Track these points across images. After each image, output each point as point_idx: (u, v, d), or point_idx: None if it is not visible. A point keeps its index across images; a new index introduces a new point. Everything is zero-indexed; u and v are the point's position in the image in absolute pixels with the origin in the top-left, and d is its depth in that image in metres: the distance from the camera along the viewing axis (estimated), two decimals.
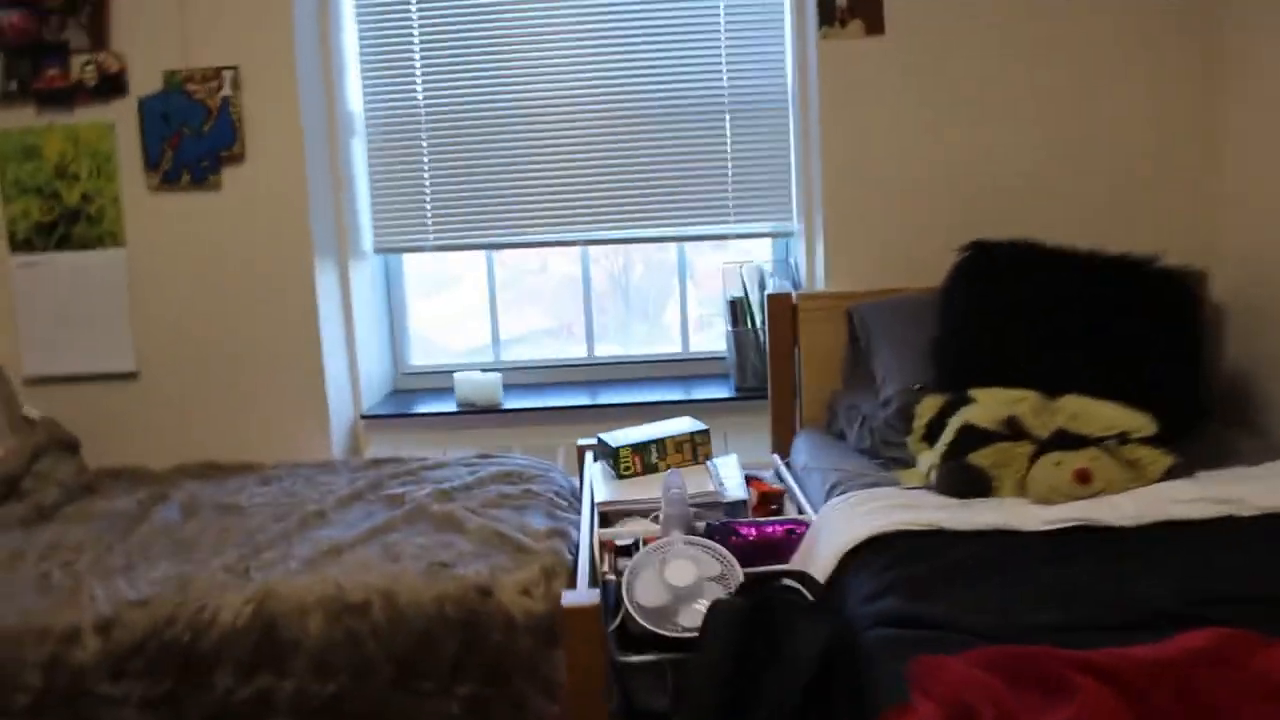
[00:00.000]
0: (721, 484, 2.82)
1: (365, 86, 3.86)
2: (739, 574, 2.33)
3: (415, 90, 3.85)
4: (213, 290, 3.57)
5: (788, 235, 3.88)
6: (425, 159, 3.87)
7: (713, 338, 4.13)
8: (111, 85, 3.43)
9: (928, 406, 2.80)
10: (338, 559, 2.59)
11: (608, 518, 2.80)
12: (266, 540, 2.73)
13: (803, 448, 3.14)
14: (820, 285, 3.52)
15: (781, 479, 3.01)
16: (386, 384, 4.08)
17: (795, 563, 2.49)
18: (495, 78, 3.82)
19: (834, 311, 3.29)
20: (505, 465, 3.24)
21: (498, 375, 3.82)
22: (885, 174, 3.43)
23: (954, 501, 2.46)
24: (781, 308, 3.34)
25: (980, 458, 2.54)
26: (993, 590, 2.00)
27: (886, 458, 2.87)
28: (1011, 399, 2.69)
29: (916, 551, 2.19)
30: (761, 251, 4.03)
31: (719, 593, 2.29)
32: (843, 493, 2.62)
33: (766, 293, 3.52)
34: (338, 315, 3.72)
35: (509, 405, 3.77)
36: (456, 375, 3.86)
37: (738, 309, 3.78)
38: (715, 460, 3.00)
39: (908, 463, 2.78)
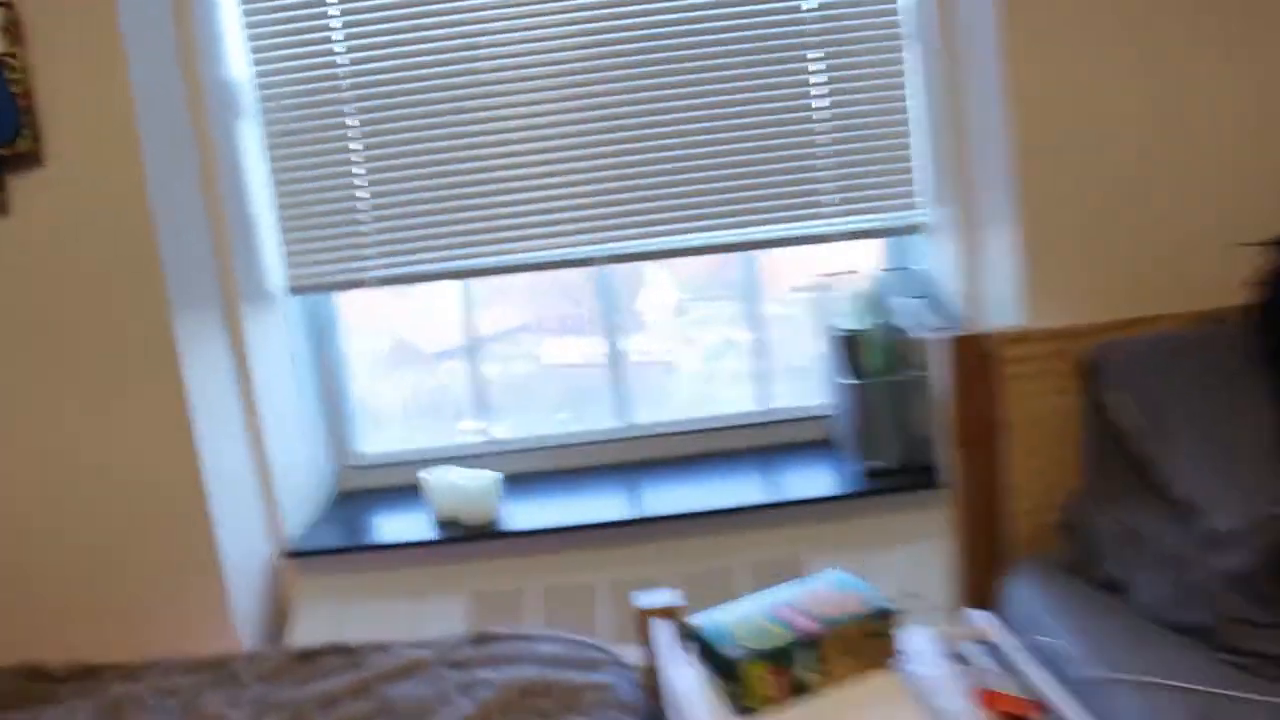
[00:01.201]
0: None
1: (252, 42, 2.37)
2: None
3: (332, 45, 2.36)
4: (15, 374, 2.07)
5: (912, 231, 2.50)
6: (357, 148, 2.43)
7: (690, 328, 2.71)
8: None
9: None
10: None
11: None
12: None
13: (1037, 604, 1.73)
14: (1002, 313, 2.09)
15: (1012, 669, 1.63)
16: (328, 488, 2.60)
17: None
18: (458, 18, 2.35)
19: (1057, 359, 1.91)
20: (523, 664, 1.79)
21: (493, 477, 2.35)
22: (1121, 130, 1.98)
23: None
24: (971, 358, 1.92)
25: None
26: None
27: (1251, 653, 1.49)
28: None
29: None
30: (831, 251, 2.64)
31: None
32: None
33: (917, 330, 2.12)
34: (228, 394, 2.24)
35: (512, 524, 2.30)
36: (428, 478, 2.38)
37: (854, 350, 2.38)
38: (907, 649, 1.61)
39: None
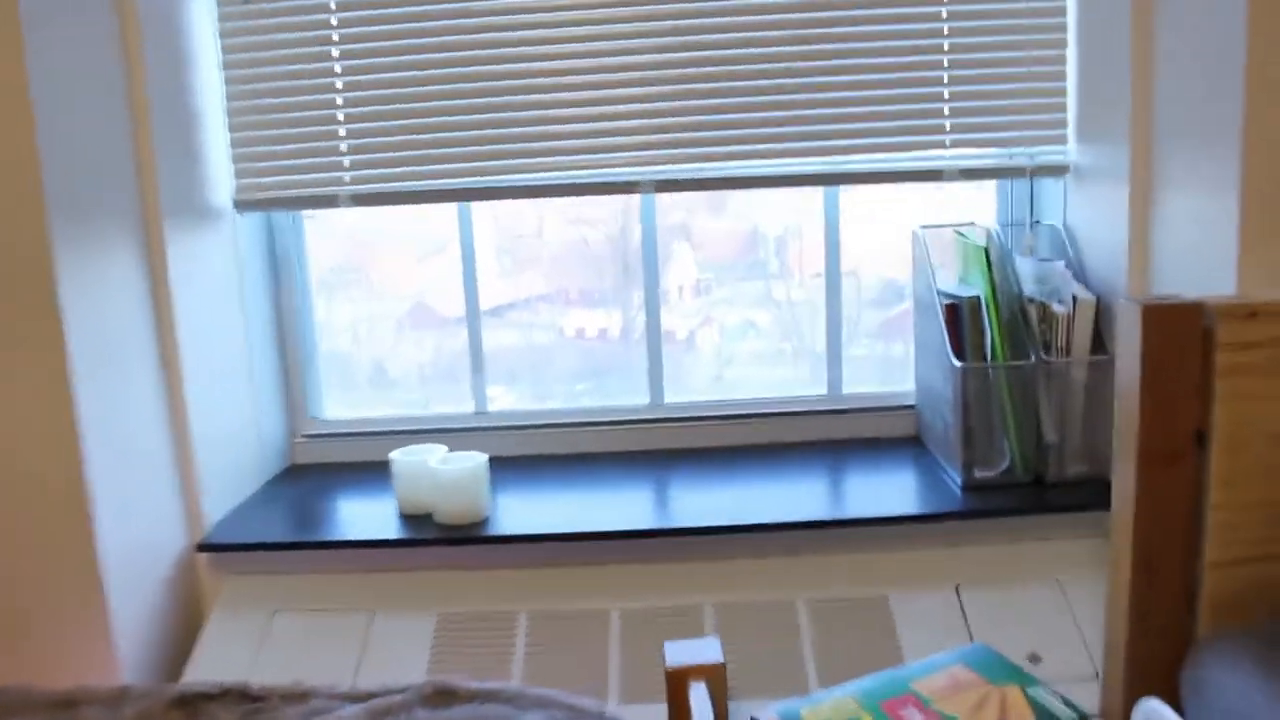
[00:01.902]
0: None
1: None
2: None
3: None
4: None
5: (1055, 173, 1.84)
6: (334, 24, 1.82)
7: (712, 307, 2.14)
8: None
9: None
10: None
11: None
12: None
13: (1258, 703, 1.15)
14: (1184, 284, 1.47)
15: None
16: (273, 461, 1.99)
17: None
18: None
19: None
20: None
21: (480, 461, 1.73)
22: None
23: None
24: (1176, 337, 1.25)
25: None
26: None
27: None
28: None
29: None
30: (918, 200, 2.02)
31: None
32: None
33: (1051, 300, 1.52)
34: (136, 337, 1.63)
35: (503, 525, 1.68)
36: (396, 458, 1.79)
37: (962, 319, 1.79)
38: None
39: None
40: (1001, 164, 1.80)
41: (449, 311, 2.19)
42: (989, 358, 1.70)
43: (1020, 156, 1.79)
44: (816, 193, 1.99)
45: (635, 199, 2.01)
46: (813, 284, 2.15)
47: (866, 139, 1.78)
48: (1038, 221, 1.87)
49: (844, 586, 1.65)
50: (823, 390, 2.03)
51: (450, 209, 2.00)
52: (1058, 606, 1.59)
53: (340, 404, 2.10)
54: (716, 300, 2.21)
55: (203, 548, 1.70)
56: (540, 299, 2.32)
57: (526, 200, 2.04)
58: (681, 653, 1.34)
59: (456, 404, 2.10)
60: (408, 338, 2.22)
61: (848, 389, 2.04)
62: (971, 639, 1.55)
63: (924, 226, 1.85)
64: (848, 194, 1.96)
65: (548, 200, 2.07)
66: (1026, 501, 1.66)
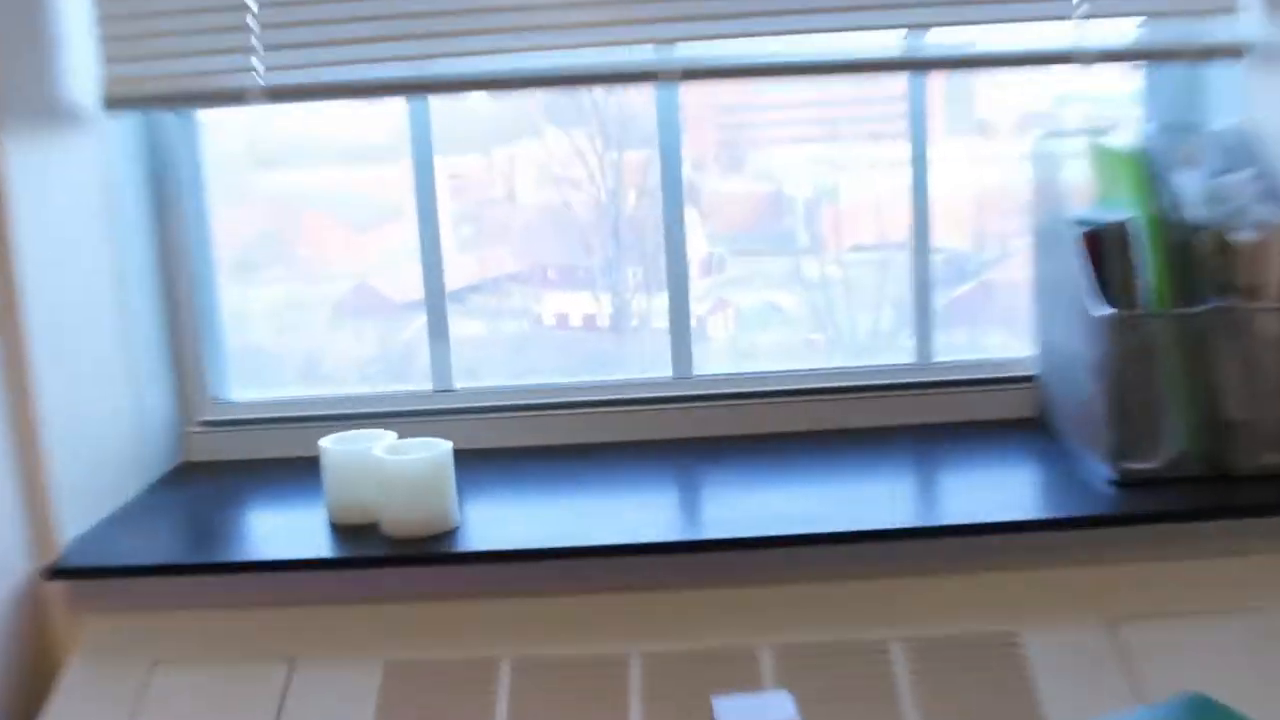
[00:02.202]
0: None
1: None
2: None
3: None
4: None
5: (1230, 54, 1.46)
6: None
7: (726, 288, 2.01)
8: None
9: None
10: None
11: None
12: None
13: None
14: None
15: None
16: (158, 457, 1.62)
17: None
18: None
19: None
20: None
21: (443, 450, 1.36)
22: None
23: None
24: None
25: None
26: None
27: None
28: None
29: None
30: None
31: None
32: None
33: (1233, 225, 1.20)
34: None
35: (470, 540, 1.34)
36: (328, 447, 1.41)
37: (1107, 253, 1.42)
38: None
39: None
40: (1154, 44, 1.47)
41: (398, 294, 1.96)
42: (1146, 304, 1.38)
43: (1181, 32, 1.47)
44: (856, 144, 1.89)
45: (634, 154, 1.77)
46: (851, 259, 2.00)
47: (965, 5, 1.44)
48: (1206, 122, 1.55)
49: (955, 620, 1.31)
50: (909, 359, 1.68)
51: (405, 160, 1.68)
52: (1255, 644, 1.26)
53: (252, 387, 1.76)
54: (731, 280, 2.07)
55: (54, 574, 1.32)
56: (510, 279, 2.16)
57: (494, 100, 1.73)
58: (739, 714, 1.02)
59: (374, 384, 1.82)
60: (346, 327, 2.00)
61: (946, 356, 1.69)
62: (1142, 690, 1.22)
63: (1048, 134, 1.52)
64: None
65: (520, 153, 1.88)
66: (1204, 501, 1.34)
